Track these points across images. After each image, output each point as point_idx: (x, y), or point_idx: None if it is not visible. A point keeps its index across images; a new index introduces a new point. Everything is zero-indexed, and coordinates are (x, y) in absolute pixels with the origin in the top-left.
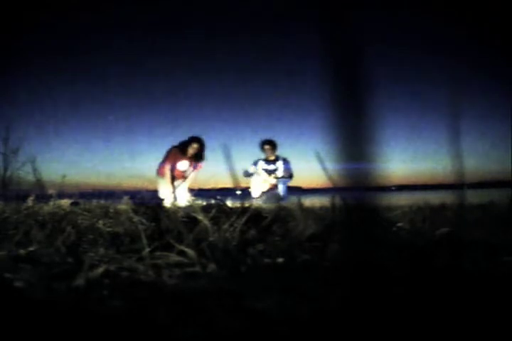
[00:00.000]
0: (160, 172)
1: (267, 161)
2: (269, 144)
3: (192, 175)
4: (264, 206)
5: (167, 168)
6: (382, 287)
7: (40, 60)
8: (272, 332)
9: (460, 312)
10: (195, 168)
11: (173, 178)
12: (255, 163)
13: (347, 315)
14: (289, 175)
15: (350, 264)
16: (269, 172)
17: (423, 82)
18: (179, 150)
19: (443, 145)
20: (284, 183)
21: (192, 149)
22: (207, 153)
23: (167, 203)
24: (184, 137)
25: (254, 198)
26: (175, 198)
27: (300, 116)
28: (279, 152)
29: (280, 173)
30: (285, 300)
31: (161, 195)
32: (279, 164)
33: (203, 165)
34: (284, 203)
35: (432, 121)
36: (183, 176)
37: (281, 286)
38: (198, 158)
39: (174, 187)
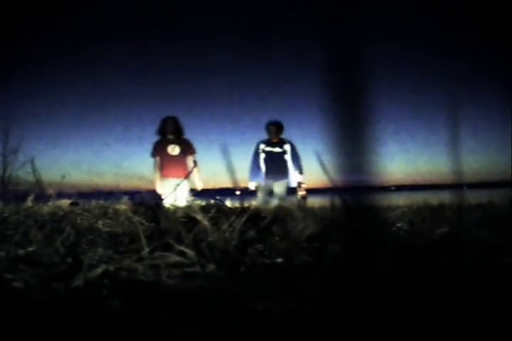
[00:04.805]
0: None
1: (271, 143)
2: (275, 125)
3: (194, 173)
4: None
5: (156, 161)
6: (382, 288)
7: (41, 60)
8: (272, 333)
9: (461, 313)
10: (185, 152)
11: (168, 170)
12: (257, 147)
13: (346, 316)
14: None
15: (349, 265)
16: (274, 154)
17: (423, 82)
18: (159, 140)
19: (442, 145)
20: (289, 180)
21: (169, 126)
22: (206, 153)
23: (166, 203)
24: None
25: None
26: (175, 197)
27: (298, 115)
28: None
29: (289, 157)
30: (284, 301)
31: (158, 192)
32: (287, 147)
33: (194, 152)
34: (284, 202)
35: (431, 121)
36: (180, 163)
37: (280, 287)
38: (179, 134)
39: (169, 181)
